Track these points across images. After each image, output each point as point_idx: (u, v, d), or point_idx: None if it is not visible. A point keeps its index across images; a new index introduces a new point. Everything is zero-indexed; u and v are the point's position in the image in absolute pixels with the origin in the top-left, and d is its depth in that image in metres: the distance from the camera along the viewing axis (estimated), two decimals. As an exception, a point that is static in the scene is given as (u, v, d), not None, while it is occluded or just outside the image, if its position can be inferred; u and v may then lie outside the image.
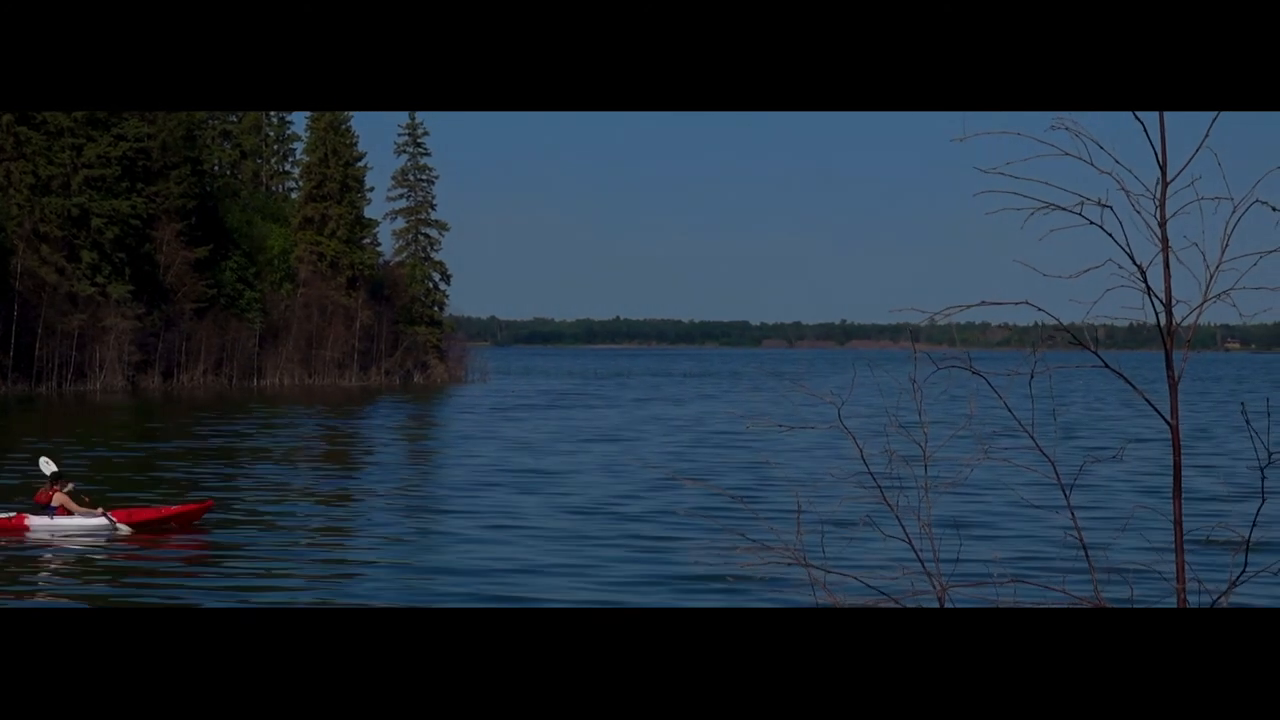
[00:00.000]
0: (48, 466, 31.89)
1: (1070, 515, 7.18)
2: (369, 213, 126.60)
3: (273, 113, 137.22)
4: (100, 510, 31.22)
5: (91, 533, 30.54)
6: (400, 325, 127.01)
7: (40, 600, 23.43)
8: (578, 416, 79.73)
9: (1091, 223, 6.56)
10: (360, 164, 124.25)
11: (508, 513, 34.19)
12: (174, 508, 31.97)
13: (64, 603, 22.92)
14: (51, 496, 31.07)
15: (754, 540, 8.46)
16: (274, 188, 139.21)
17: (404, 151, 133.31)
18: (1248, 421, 7.15)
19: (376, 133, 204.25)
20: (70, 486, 31.45)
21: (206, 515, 31.85)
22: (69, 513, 30.95)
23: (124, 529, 30.74)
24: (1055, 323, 7.00)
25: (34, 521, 30.76)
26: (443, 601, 22.87)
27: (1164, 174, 6.46)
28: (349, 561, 27.38)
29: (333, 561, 27.42)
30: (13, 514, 31.10)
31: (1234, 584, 6.91)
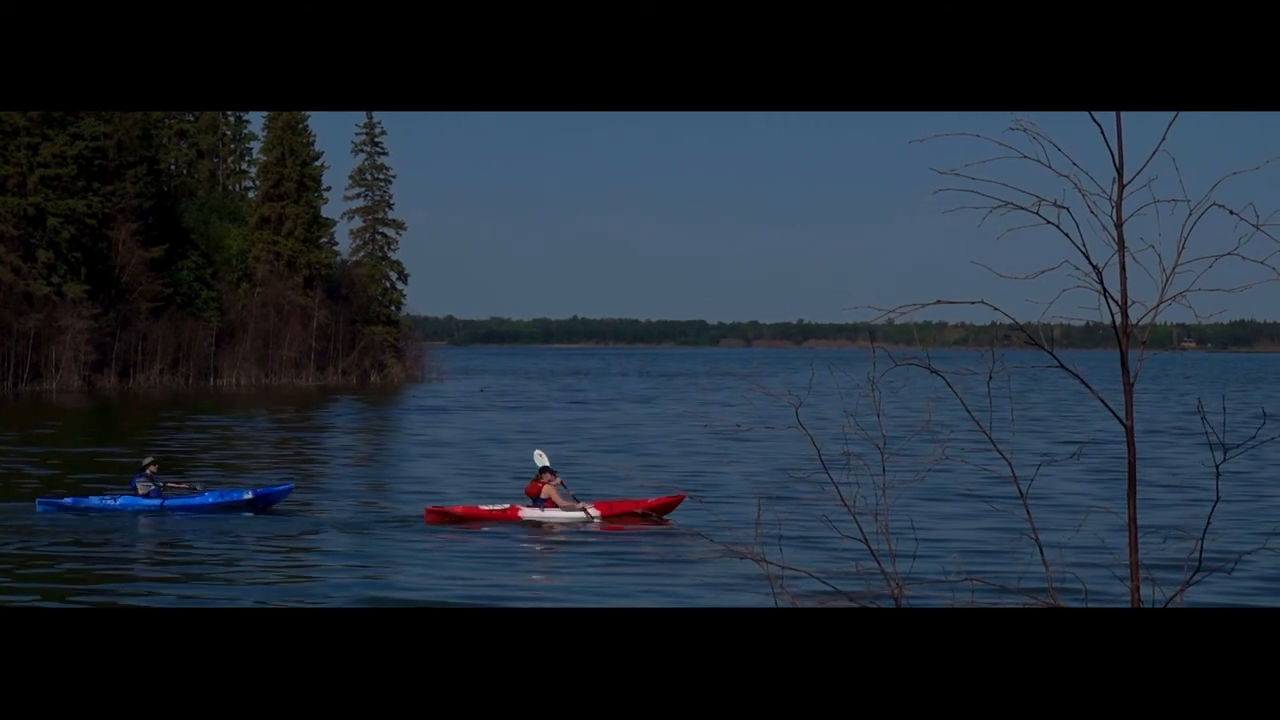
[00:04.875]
0: (541, 459, 33.55)
1: (1026, 514, 7.21)
2: (326, 212, 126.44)
3: (229, 112, 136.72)
4: (580, 505, 32.76)
5: (573, 525, 32.22)
6: (357, 325, 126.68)
7: (46, 601, 23.38)
8: (533, 417, 79.65)
9: (1049, 222, 6.59)
10: (317, 163, 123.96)
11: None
12: (652, 500, 33.13)
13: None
14: (541, 489, 32.76)
15: (713, 540, 8.47)
16: (231, 187, 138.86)
17: (361, 151, 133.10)
18: (1204, 419, 7.18)
19: (334, 132, 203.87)
20: (558, 480, 32.98)
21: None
22: (555, 505, 32.66)
23: (596, 516, 32.41)
24: (1011, 322, 7.03)
25: (526, 513, 32.46)
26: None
27: (1120, 175, 6.49)
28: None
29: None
30: (507, 506, 32.83)
31: (1188, 583, 6.95)
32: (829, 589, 7.83)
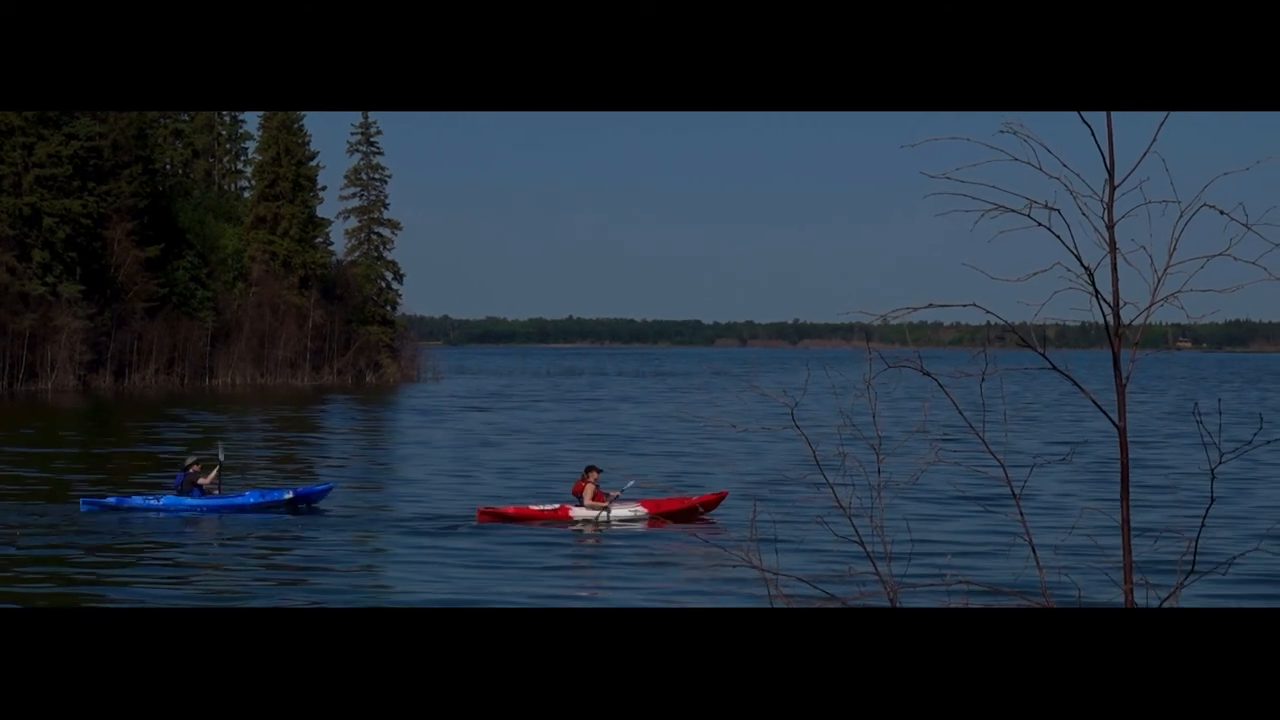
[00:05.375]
0: (591, 471, 33.78)
1: (1020, 516, 7.22)
2: (321, 212, 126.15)
3: (225, 112, 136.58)
4: (606, 505, 32.91)
5: (629, 520, 32.58)
6: (353, 325, 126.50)
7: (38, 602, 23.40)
8: (524, 417, 79.63)
9: (1040, 224, 6.60)
10: (313, 163, 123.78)
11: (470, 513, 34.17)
12: (697, 497, 33.61)
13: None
14: (584, 488, 33.07)
15: (707, 541, 8.49)
16: (226, 187, 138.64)
17: (357, 150, 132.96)
18: (1199, 422, 7.19)
19: (329, 132, 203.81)
20: (597, 477, 33.30)
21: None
22: (604, 501, 32.89)
23: (641, 513, 32.74)
24: (1004, 324, 7.04)
25: (577, 512, 32.66)
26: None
27: (1111, 177, 6.50)
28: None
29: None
30: (557, 506, 33.01)
31: (1181, 585, 6.97)
32: (823, 590, 7.85)
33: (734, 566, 8.30)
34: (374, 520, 33.04)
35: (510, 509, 32.88)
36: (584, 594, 24.10)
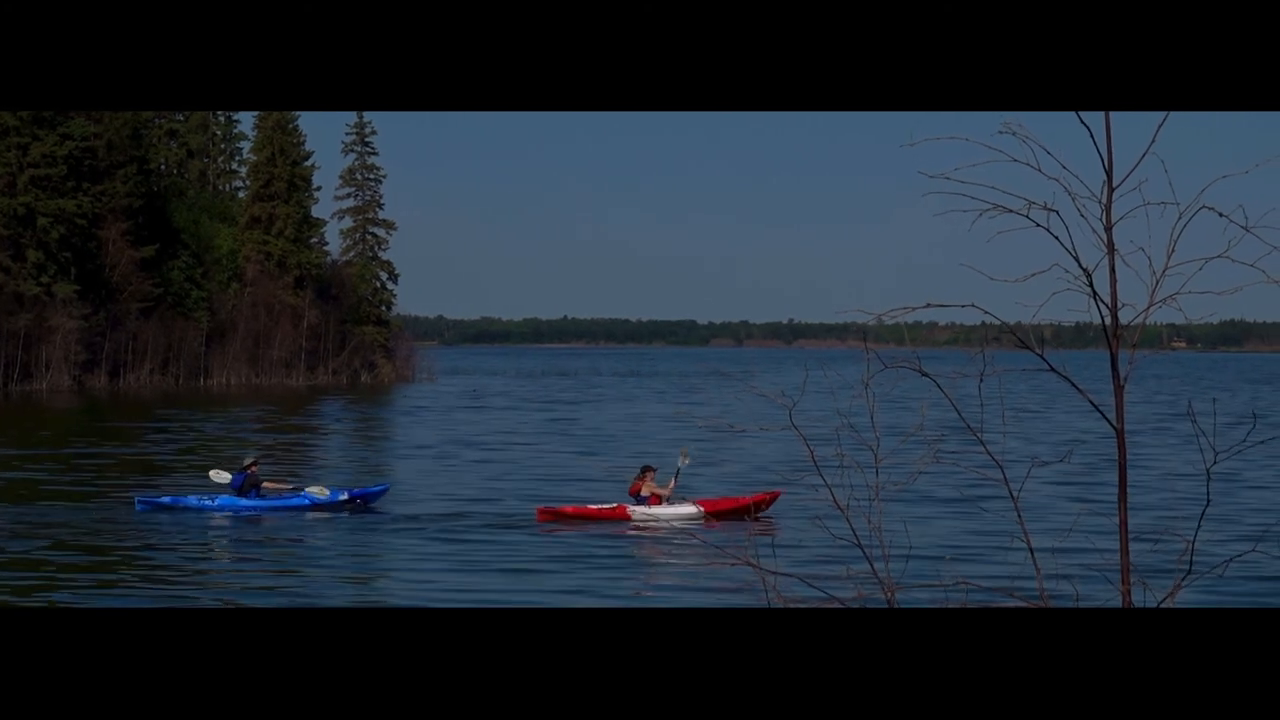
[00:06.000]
0: (648, 471, 33.85)
1: (1017, 516, 7.23)
2: (316, 212, 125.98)
3: (220, 112, 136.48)
4: (663, 504, 33.12)
5: (686, 519, 32.61)
6: (348, 325, 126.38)
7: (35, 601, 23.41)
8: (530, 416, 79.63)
9: (1038, 225, 6.61)
10: (308, 163, 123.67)
11: (465, 512, 34.27)
12: (750, 497, 33.61)
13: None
14: (640, 487, 33.20)
15: (704, 541, 8.50)
16: (221, 187, 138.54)
17: (352, 151, 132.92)
18: (1194, 423, 7.20)
19: (324, 132, 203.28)
20: (653, 476, 33.47)
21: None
22: (659, 501, 33.13)
23: (697, 512, 32.79)
24: (1001, 324, 7.05)
25: (635, 511, 32.85)
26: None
27: (1110, 178, 6.50)
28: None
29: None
30: (614, 505, 33.27)
31: (1179, 585, 6.97)
32: (821, 590, 7.85)
33: (731, 564, 8.30)
34: (436, 520, 33.08)
35: (569, 508, 33.12)
36: (582, 593, 24.08)
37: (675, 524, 32.44)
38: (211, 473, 35.06)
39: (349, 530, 31.45)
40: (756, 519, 32.18)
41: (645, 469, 33.83)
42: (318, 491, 34.72)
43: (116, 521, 31.48)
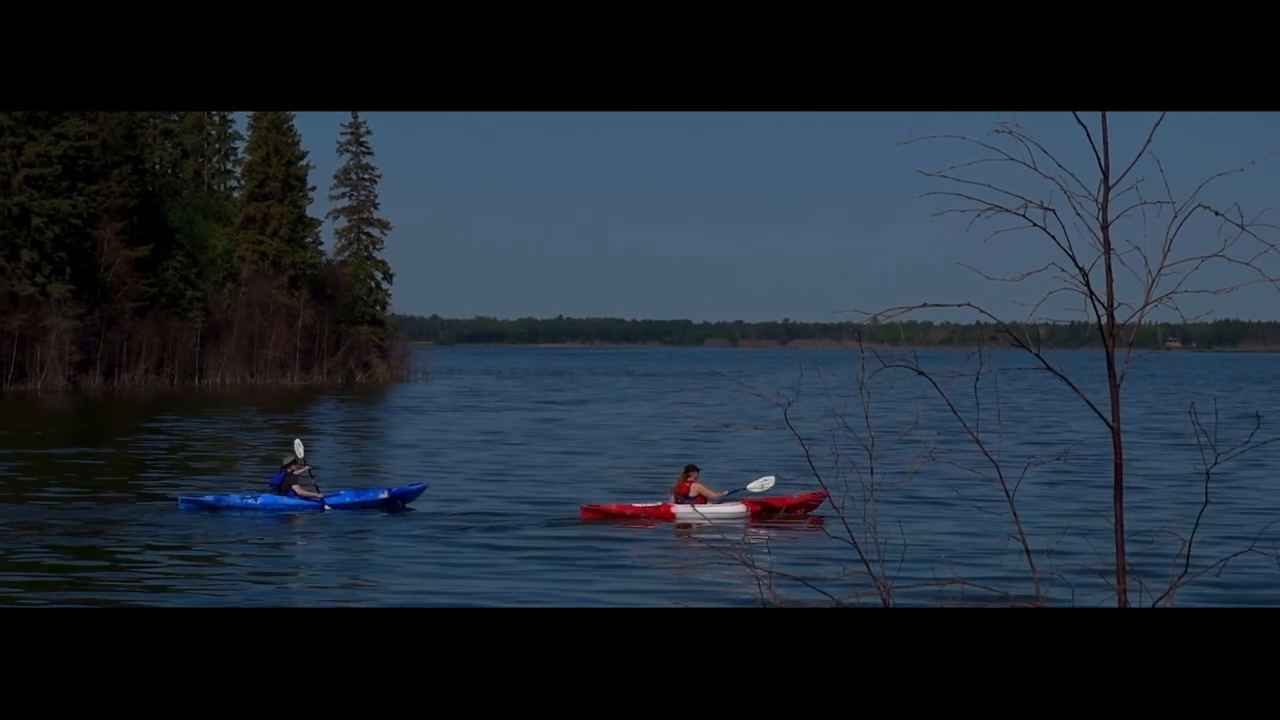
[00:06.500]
0: (692, 471, 33.93)
1: (1013, 515, 7.22)
2: (311, 212, 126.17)
3: (214, 112, 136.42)
4: (710, 503, 33.17)
5: (730, 519, 32.78)
6: (343, 325, 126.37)
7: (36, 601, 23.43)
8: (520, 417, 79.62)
9: (1035, 224, 6.60)
10: (302, 163, 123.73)
11: (463, 512, 34.28)
12: (797, 497, 33.45)
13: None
14: (689, 487, 33.21)
15: (699, 540, 8.49)
16: (216, 187, 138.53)
17: (346, 151, 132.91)
18: (1195, 423, 7.19)
19: (319, 132, 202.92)
20: (698, 476, 33.53)
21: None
22: (705, 500, 33.16)
23: (742, 511, 32.94)
24: (997, 323, 7.04)
25: (680, 510, 32.77)
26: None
27: (1106, 177, 6.49)
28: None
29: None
30: (660, 504, 33.25)
31: (1175, 585, 6.96)
32: (816, 589, 7.84)
33: (728, 564, 8.29)
34: (473, 519, 33.21)
35: (614, 506, 33.24)
36: (580, 593, 24.06)
37: (719, 523, 32.43)
38: (296, 442, 35.56)
39: (393, 530, 31.59)
40: (804, 519, 32.23)
41: (689, 469, 33.88)
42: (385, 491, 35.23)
43: (153, 522, 31.76)
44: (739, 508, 33.11)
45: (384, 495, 34.73)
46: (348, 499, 34.70)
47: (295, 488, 34.41)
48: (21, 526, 30.46)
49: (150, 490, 38.28)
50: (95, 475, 42.63)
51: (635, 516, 32.68)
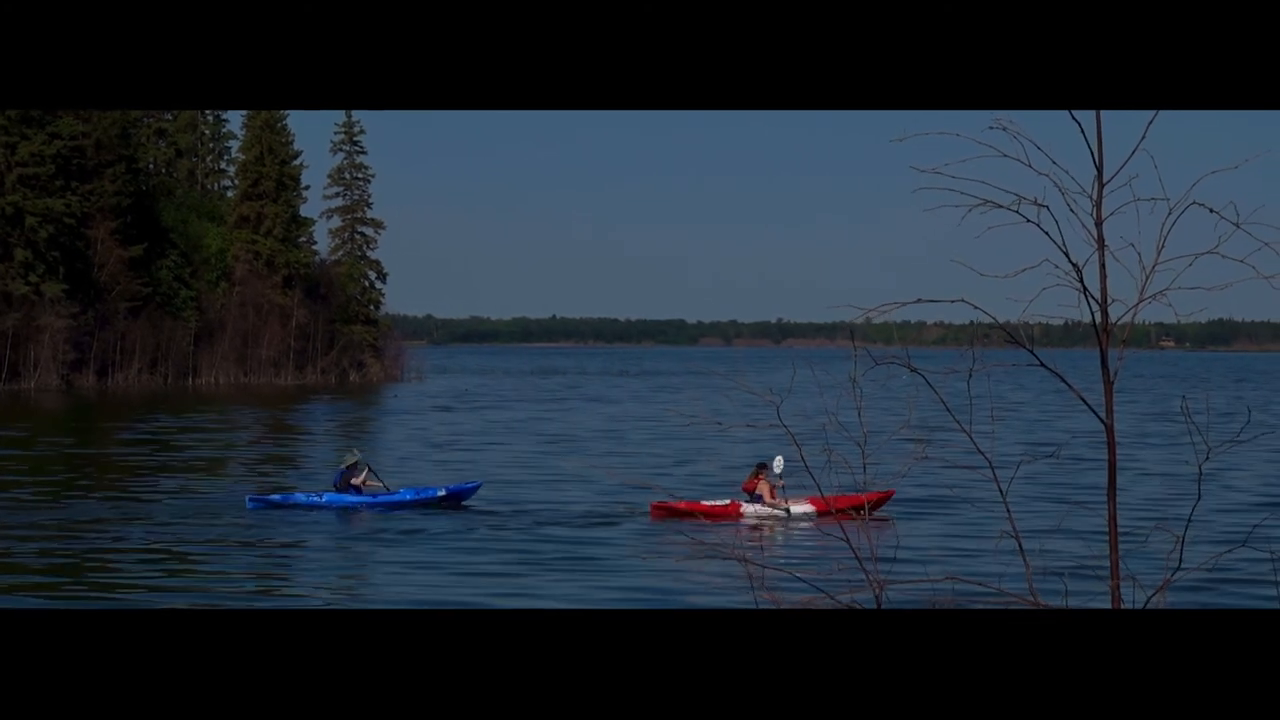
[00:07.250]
0: (777, 465, 33.73)
1: (1006, 513, 7.21)
2: (305, 211, 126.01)
3: (208, 111, 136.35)
4: (785, 502, 33.21)
5: (794, 518, 32.88)
6: (336, 324, 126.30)
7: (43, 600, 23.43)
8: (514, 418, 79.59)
9: (1029, 221, 6.60)
10: (296, 162, 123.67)
11: (517, 510, 34.49)
12: (864, 495, 32.35)
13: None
14: (756, 485, 33.56)
15: (694, 538, 8.48)
16: (209, 186, 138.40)
17: (340, 150, 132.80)
18: (1188, 419, 7.18)
19: (312, 131, 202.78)
20: (767, 474, 33.64)
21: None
22: (764, 501, 33.30)
23: (810, 510, 32.49)
24: (991, 321, 7.04)
25: (747, 509, 33.07)
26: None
27: (1100, 174, 6.50)
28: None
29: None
30: (728, 502, 33.58)
31: (1168, 582, 6.96)
32: (811, 589, 7.83)
33: (723, 560, 8.28)
34: (538, 517, 33.39)
35: (683, 504, 33.21)
36: (577, 592, 24.06)
37: (788, 521, 32.57)
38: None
39: (452, 527, 31.77)
40: (873, 517, 32.10)
41: (760, 466, 33.88)
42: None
43: (226, 521, 32.16)
44: (807, 506, 32.81)
45: (441, 493, 35.36)
46: (408, 497, 35.30)
47: (354, 482, 34.97)
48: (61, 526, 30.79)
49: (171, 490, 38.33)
50: (108, 473, 42.70)
51: (703, 514, 32.70)
